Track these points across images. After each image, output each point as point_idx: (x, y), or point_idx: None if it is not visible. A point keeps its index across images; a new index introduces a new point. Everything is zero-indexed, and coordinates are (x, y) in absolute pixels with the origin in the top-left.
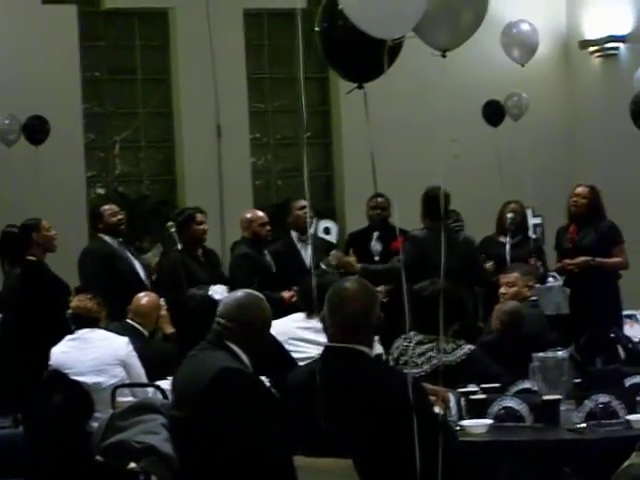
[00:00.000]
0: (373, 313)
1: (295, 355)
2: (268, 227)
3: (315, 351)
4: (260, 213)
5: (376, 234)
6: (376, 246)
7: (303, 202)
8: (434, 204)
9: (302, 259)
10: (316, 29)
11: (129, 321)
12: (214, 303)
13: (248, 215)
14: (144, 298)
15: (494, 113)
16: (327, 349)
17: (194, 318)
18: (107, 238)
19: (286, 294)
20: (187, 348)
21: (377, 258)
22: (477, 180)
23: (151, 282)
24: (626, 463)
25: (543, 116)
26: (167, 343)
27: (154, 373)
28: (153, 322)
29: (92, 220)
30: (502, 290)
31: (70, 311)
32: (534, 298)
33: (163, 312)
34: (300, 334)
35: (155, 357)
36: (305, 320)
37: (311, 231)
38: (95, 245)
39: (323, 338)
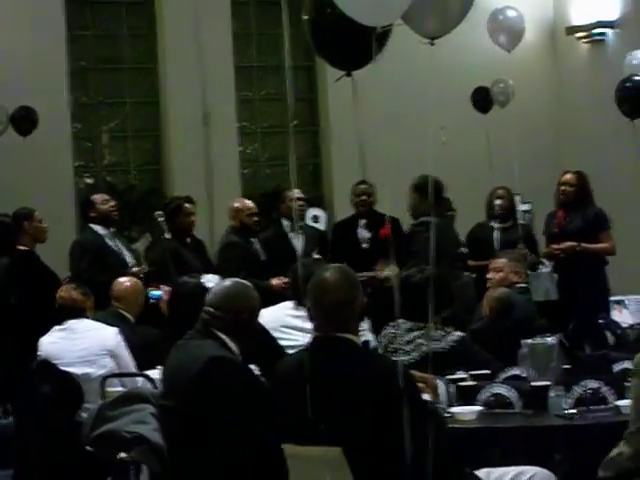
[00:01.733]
0: (356, 301)
1: (286, 343)
2: (256, 217)
3: (306, 339)
4: (248, 203)
5: (363, 222)
6: (363, 233)
7: (298, 193)
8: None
9: (293, 248)
10: (304, 17)
11: (114, 308)
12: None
13: (236, 204)
14: (125, 283)
15: (483, 100)
16: (314, 339)
17: (185, 306)
18: (98, 228)
19: (275, 281)
20: (177, 336)
21: (365, 245)
22: (466, 167)
23: None
24: (614, 452)
25: (530, 102)
26: (154, 329)
27: (141, 359)
28: (136, 307)
29: (83, 209)
30: (489, 275)
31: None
32: (523, 285)
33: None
34: (292, 322)
35: (142, 343)
36: (295, 309)
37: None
38: (85, 237)
39: None
